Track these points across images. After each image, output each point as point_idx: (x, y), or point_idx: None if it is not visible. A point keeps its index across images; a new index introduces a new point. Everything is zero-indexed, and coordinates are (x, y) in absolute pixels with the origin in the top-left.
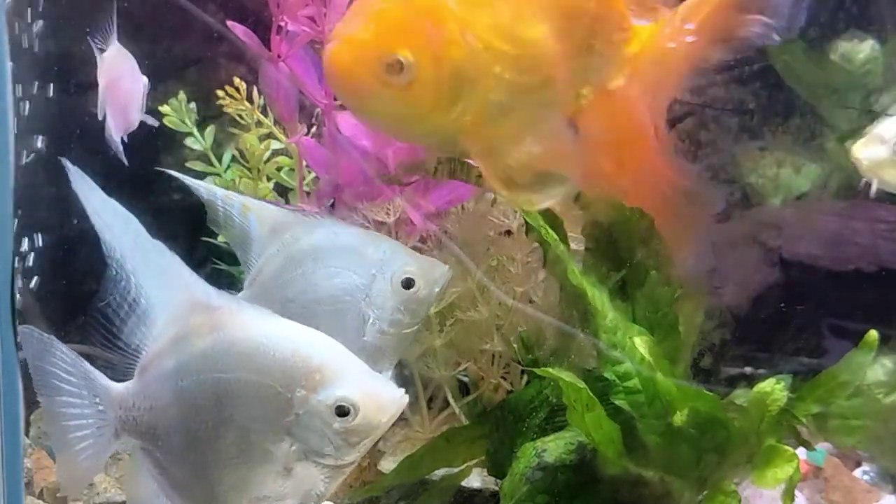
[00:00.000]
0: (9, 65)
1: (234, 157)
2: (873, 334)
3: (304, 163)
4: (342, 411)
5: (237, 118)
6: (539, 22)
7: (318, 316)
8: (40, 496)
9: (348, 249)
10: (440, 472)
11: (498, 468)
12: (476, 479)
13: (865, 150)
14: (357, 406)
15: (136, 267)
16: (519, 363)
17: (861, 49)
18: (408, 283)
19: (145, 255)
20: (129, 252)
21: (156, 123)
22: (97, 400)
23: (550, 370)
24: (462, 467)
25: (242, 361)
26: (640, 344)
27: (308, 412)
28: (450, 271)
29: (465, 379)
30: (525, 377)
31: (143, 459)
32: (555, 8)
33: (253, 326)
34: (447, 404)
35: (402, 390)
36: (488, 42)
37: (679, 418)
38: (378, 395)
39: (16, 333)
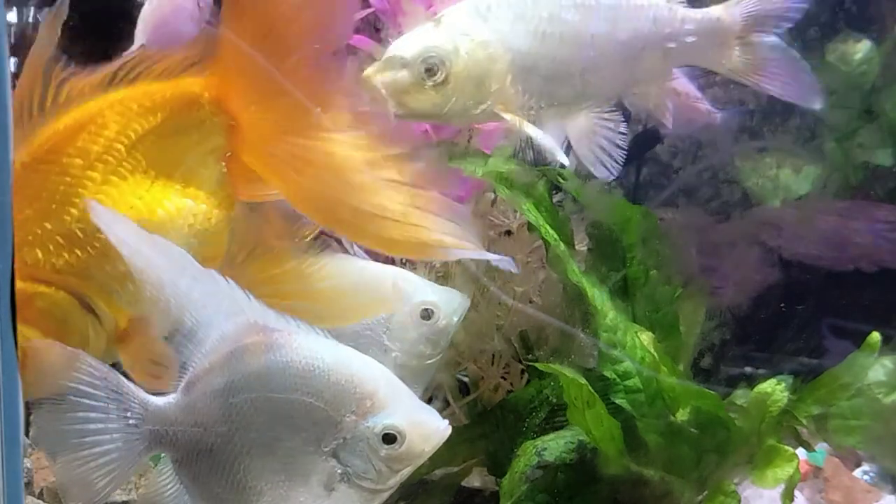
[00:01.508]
0: (9, 64)
1: None
2: (876, 336)
3: None
4: (389, 439)
5: None
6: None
7: None
8: (40, 496)
9: (362, 286)
10: (440, 472)
11: (498, 468)
12: (476, 479)
13: (382, 77)
14: (404, 434)
15: (178, 292)
16: (519, 362)
17: (858, 49)
18: (427, 315)
19: (191, 282)
20: (169, 280)
21: None
22: (127, 415)
23: (552, 366)
24: (462, 467)
25: (296, 383)
26: (646, 339)
27: (356, 437)
28: (467, 300)
29: (465, 379)
30: (525, 377)
31: (176, 472)
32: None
33: (309, 349)
34: (447, 404)
35: (447, 421)
36: (61, 264)
37: (682, 414)
38: (424, 425)
39: (16, 333)
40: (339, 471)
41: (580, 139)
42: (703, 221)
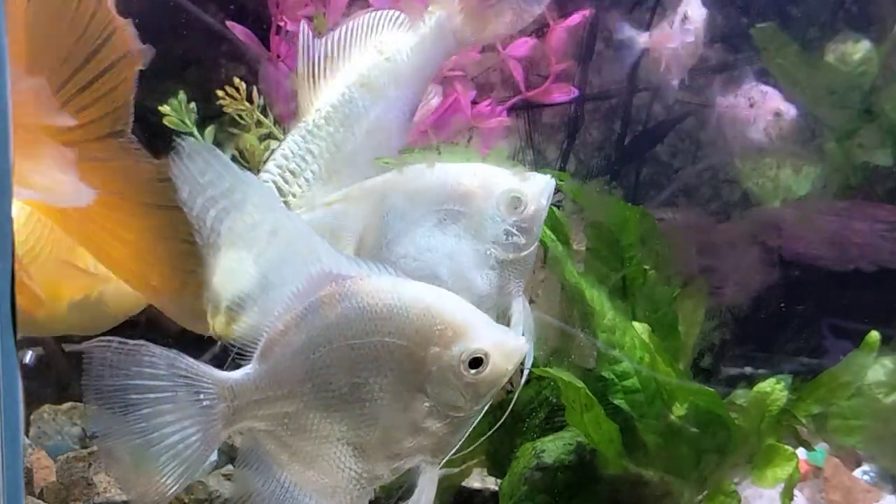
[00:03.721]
0: (8, 63)
1: (233, 157)
2: (875, 335)
3: None
4: (476, 363)
5: (237, 118)
6: None
7: (433, 263)
8: (40, 496)
9: (444, 187)
10: (440, 472)
11: (498, 468)
12: (476, 479)
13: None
14: (489, 357)
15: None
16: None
17: (857, 49)
18: (515, 203)
19: (270, 231)
20: (247, 235)
21: None
22: (199, 397)
23: (549, 370)
24: (462, 467)
25: (376, 325)
26: (641, 329)
27: (441, 368)
28: (552, 180)
29: None
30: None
31: (261, 443)
32: None
33: (383, 290)
34: None
35: (524, 338)
36: None
37: (678, 410)
38: (504, 345)
39: (16, 333)
40: (427, 405)
41: None
42: (703, 221)
